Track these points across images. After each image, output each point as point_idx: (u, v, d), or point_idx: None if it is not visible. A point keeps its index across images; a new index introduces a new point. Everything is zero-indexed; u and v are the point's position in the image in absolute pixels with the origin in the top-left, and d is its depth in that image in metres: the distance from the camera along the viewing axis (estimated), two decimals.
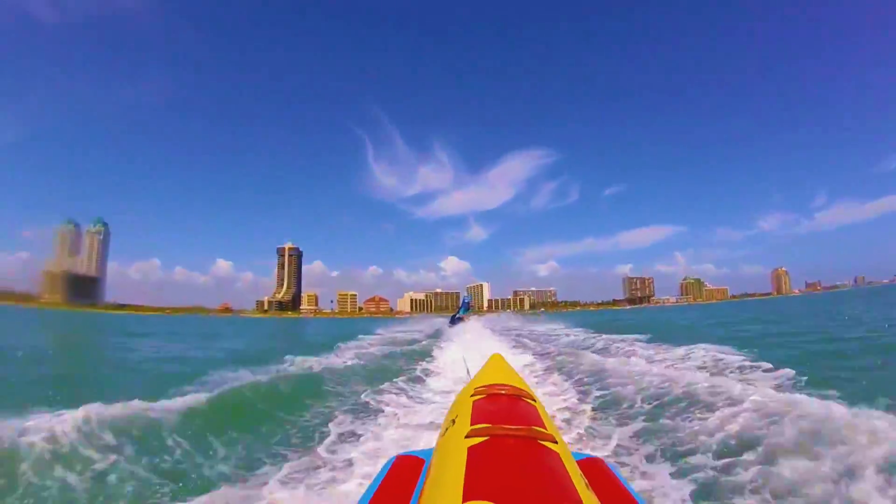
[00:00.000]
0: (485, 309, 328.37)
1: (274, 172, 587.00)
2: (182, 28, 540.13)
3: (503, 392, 2.90)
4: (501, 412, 2.58)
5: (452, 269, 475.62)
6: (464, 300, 50.62)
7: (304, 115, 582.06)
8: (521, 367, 12.33)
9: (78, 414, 5.65)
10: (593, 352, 14.52)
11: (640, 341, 16.10)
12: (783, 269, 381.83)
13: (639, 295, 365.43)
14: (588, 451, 4.14)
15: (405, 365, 13.66)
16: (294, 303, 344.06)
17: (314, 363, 12.72)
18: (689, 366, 10.64)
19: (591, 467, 2.57)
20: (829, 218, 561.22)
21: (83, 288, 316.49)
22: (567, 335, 22.37)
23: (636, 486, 3.05)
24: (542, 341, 20.23)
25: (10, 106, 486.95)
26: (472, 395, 2.91)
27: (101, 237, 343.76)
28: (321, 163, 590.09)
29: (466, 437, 2.17)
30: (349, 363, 13.13)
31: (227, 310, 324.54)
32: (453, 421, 2.64)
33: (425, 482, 2.31)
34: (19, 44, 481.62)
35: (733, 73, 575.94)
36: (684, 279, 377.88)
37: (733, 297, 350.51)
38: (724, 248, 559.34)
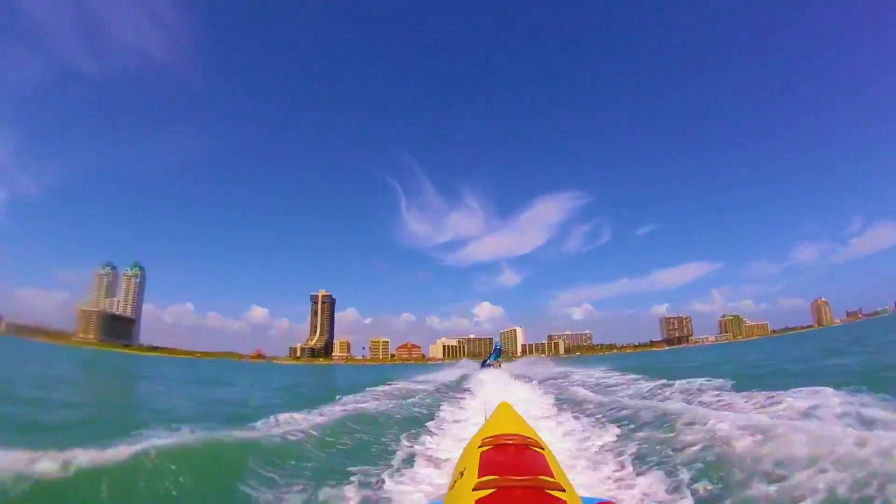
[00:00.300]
0: (519, 354, 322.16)
1: (309, 221, 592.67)
2: (217, 78, 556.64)
3: (511, 442, 2.94)
4: (509, 463, 2.59)
5: (486, 315, 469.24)
6: (496, 346, 48.83)
7: (339, 166, 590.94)
8: (598, 450, 8.03)
9: None
10: (672, 406, 9.77)
11: (724, 389, 11.96)
12: (823, 299, 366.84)
13: (677, 335, 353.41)
14: (600, 496, 3.66)
15: (389, 440, 9.43)
16: (326, 350, 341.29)
17: (284, 423, 9.67)
18: (846, 432, 5.69)
19: None
20: (865, 243, 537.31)
21: (118, 328, 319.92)
22: (625, 384, 17.41)
23: None
24: (599, 392, 15.37)
25: (55, 153, 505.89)
26: (479, 447, 2.96)
27: (138, 280, 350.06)
28: (355, 212, 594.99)
29: (474, 489, 2.15)
30: (318, 431, 9.33)
31: (260, 356, 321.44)
32: (461, 473, 2.63)
33: None
34: (63, 93, 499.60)
35: (758, 102, 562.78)
36: (723, 316, 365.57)
37: (774, 331, 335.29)
38: (761, 282, 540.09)
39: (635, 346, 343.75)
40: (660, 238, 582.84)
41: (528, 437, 3.10)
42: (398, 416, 12.74)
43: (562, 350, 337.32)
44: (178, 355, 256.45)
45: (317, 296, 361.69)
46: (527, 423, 3.95)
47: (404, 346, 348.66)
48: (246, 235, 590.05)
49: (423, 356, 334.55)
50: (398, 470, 7.14)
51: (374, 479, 6.70)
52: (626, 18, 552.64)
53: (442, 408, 14.73)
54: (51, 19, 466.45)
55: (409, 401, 15.52)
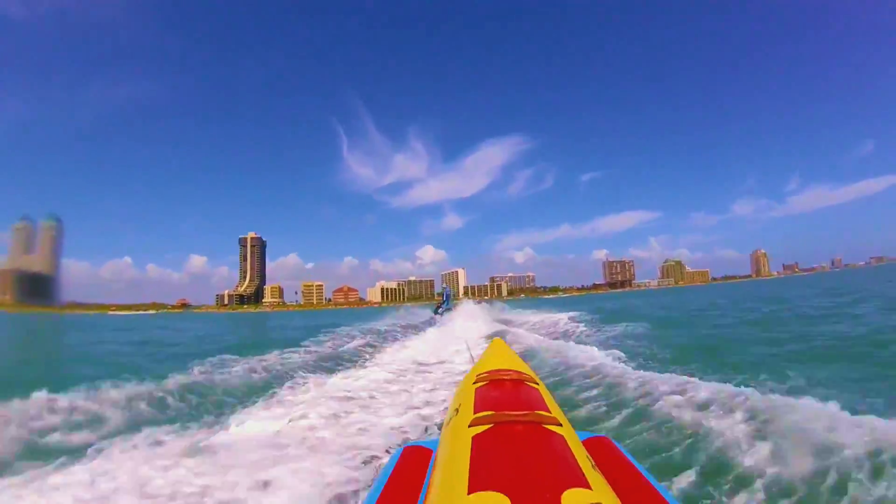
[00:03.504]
0: (461, 296, 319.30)
1: (247, 166, 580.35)
2: (149, 22, 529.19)
3: (506, 377, 2.99)
4: (505, 398, 2.64)
5: (429, 258, 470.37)
6: (445, 292, 45.05)
7: (278, 107, 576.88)
8: None
9: None
10: None
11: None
12: (762, 251, 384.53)
13: (619, 279, 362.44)
14: (593, 431, 3.58)
15: None
16: (257, 296, 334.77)
17: None
18: None
19: (598, 446, 2.63)
20: (802, 202, 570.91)
21: (36, 287, 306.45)
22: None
23: (643, 462, 2.84)
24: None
25: None
26: (474, 383, 2.99)
27: (55, 233, 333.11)
28: (297, 155, 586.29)
29: (470, 425, 2.20)
30: None
31: (185, 305, 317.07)
32: (457, 410, 2.66)
33: (432, 473, 2.30)
34: None
35: (710, 60, 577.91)
36: (665, 262, 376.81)
37: (714, 279, 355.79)
38: (699, 232, 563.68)
39: (579, 290, 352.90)
40: (602, 185, 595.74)
41: (523, 373, 3.08)
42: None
43: (504, 292, 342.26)
44: (94, 311, 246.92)
45: (245, 238, 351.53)
46: (520, 359, 3.85)
47: (340, 289, 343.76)
48: (181, 184, 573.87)
49: (361, 300, 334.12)
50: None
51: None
52: None
53: None
54: None
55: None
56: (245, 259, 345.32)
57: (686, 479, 4.58)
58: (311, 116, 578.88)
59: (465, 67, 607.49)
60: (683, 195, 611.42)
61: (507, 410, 2.28)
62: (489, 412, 2.26)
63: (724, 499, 4.19)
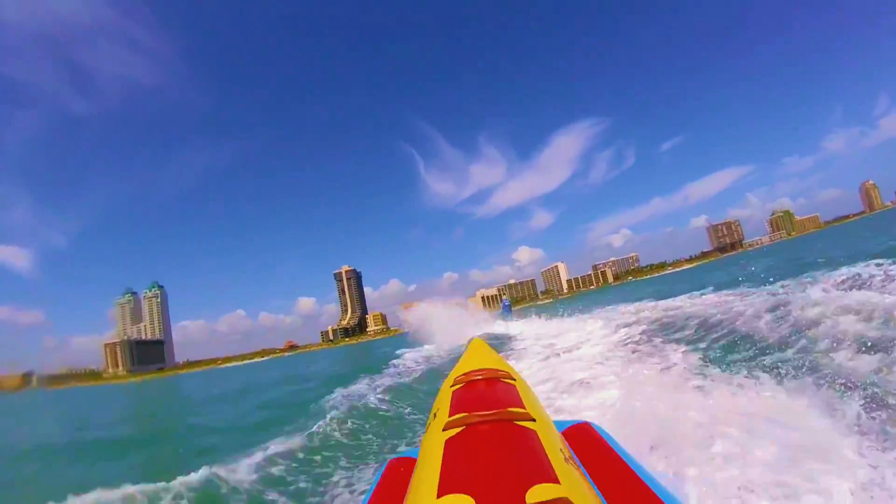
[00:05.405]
0: (565, 291, 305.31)
1: (338, 204, 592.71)
2: (213, 84, 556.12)
3: (480, 377, 2.96)
4: (478, 399, 2.62)
5: (527, 259, 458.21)
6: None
7: (352, 144, 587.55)
8: None
9: None
10: None
11: None
12: (871, 181, 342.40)
13: (728, 241, 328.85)
14: (576, 418, 3.23)
15: None
16: (361, 326, 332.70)
17: None
18: None
19: (579, 434, 2.64)
20: (894, 121, 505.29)
21: (149, 353, 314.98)
22: None
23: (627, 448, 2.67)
24: None
25: (72, 199, 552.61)
26: (451, 386, 2.95)
27: (159, 300, 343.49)
28: (380, 186, 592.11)
29: (444, 429, 2.18)
30: None
31: (293, 347, 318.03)
32: (434, 415, 2.67)
33: (410, 481, 2.30)
34: (64, 140, 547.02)
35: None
36: (773, 214, 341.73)
37: (826, 223, 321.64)
38: (795, 178, 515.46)
39: (689, 260, 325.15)
40: (685, 150, 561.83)
41: (500, 370, 3.01)
42: None
43: (610, 278, 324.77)
44: (205, 366, 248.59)
45: (340, 273, 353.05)
46: (499, 356, 3.85)
47: None
48: (281, 235, 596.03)
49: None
50: None
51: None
52: None
53: None
54: (33, 76, 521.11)
55: None
56: (343, 292, 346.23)
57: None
58: (384, 146, 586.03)
59: (519, 61, 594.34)
60: (771, 142, 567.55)
61: (479, 411, 2.24)
62: (463, 414, 2.23)
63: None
